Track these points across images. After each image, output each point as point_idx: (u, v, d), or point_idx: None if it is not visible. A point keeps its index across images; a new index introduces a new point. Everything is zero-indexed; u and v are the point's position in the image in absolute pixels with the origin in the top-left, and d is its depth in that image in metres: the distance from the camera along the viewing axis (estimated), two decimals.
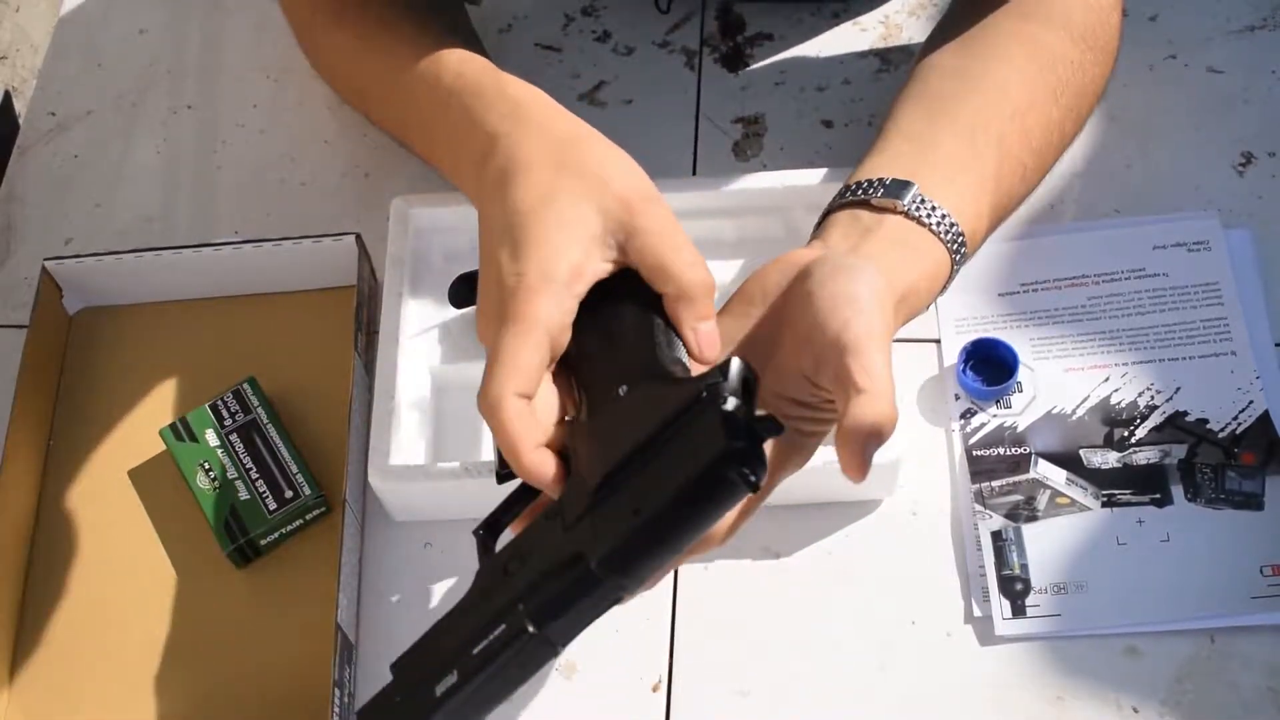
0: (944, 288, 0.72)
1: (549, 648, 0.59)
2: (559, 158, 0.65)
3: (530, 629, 0.58)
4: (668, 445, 0.56)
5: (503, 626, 0.59)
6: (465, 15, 0.88)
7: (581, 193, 0.64)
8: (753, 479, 0.54)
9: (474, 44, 0.81)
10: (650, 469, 0.56)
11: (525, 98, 0.70)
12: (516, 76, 0.72)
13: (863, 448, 0.58)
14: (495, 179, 0.66)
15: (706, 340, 0.63)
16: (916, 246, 0.69)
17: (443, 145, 0.73)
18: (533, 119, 0.68)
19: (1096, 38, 0.78)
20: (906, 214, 0.69)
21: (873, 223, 0.69)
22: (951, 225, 0.69)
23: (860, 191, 0.70)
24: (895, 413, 0.59)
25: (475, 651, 0.59)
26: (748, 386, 0.56)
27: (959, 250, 0.70)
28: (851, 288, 0.62)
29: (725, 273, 0.84)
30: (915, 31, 0.94)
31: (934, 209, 0.69)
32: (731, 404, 0.55)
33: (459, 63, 0.73)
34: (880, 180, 0.70)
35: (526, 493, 0.64)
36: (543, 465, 0.60)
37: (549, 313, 0.61)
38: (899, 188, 0.70)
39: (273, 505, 0.78)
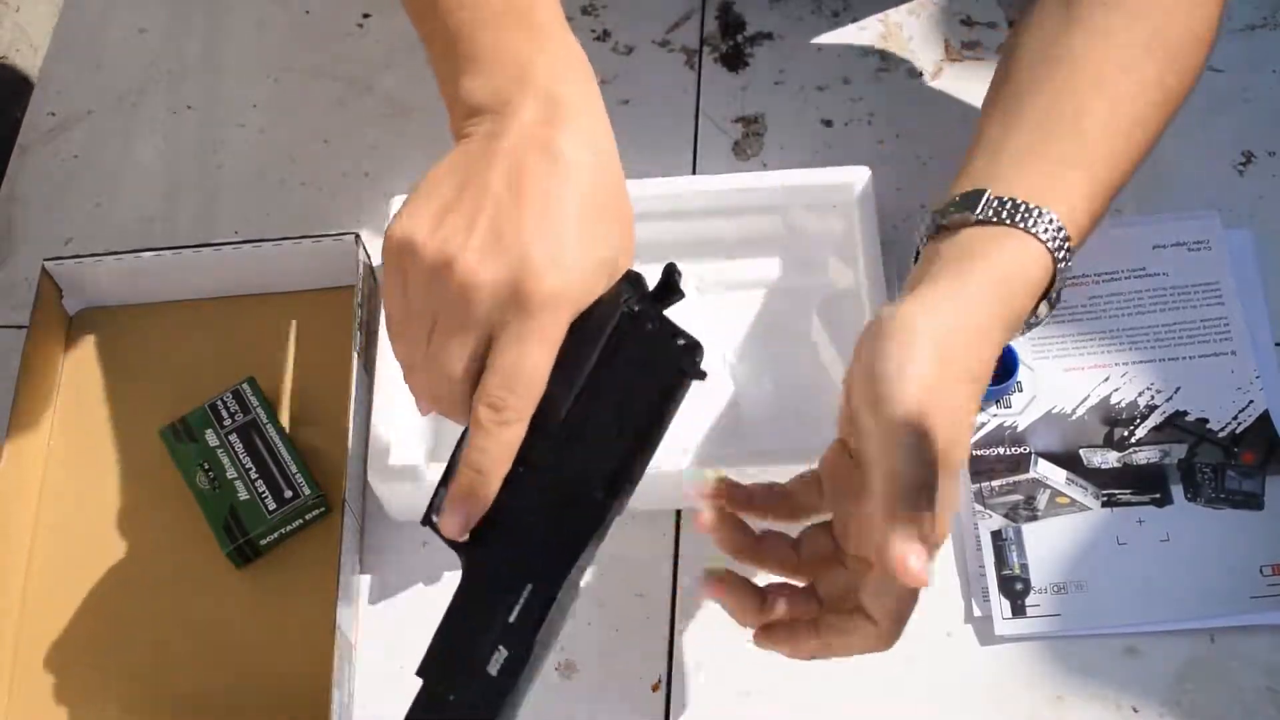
0: (1053, 294, 0.66)
1: (576, 589, 0.61)
2: (619, 175, 0.64)
3: (563, 573, 0.59)
4: (618, 366, 0.60)
5: (529, 587, 0.60)
6: None
7: (627, 219, 0.64)
8: (703, 370, 0.61)
9: None
10: (613, 391, 0.60)
11: (562, 31, 0.66)
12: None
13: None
14: (569, 154, 0.61)
15: None
16: (1001, 252, 0.64)
17: (470, 44, 0.65)
18: (599, 111, 0.65)
19: None
20: (982, 222, 0.64)
21: (947, 249, 0.64)
22: (1048, 218, 0.64)
23: (935, 220, 0.66)
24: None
25: (513, 620, 0.60)
26: (668, 284, 0.61)
27: (1063, 247, 0.64)
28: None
29: (725, 272, 0.84)
30: (915, 31, 0.94)
31: (1019, 206, 0.64)
32: (647, 308, 0.61)
33: None
34: (953, 199, 0.66)
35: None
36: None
37: (564, 333, 0.59)
38: (970, 197, 0.65)
39: (272, 505, 0.78)
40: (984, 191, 0.65)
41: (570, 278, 0.58)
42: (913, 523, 0.56)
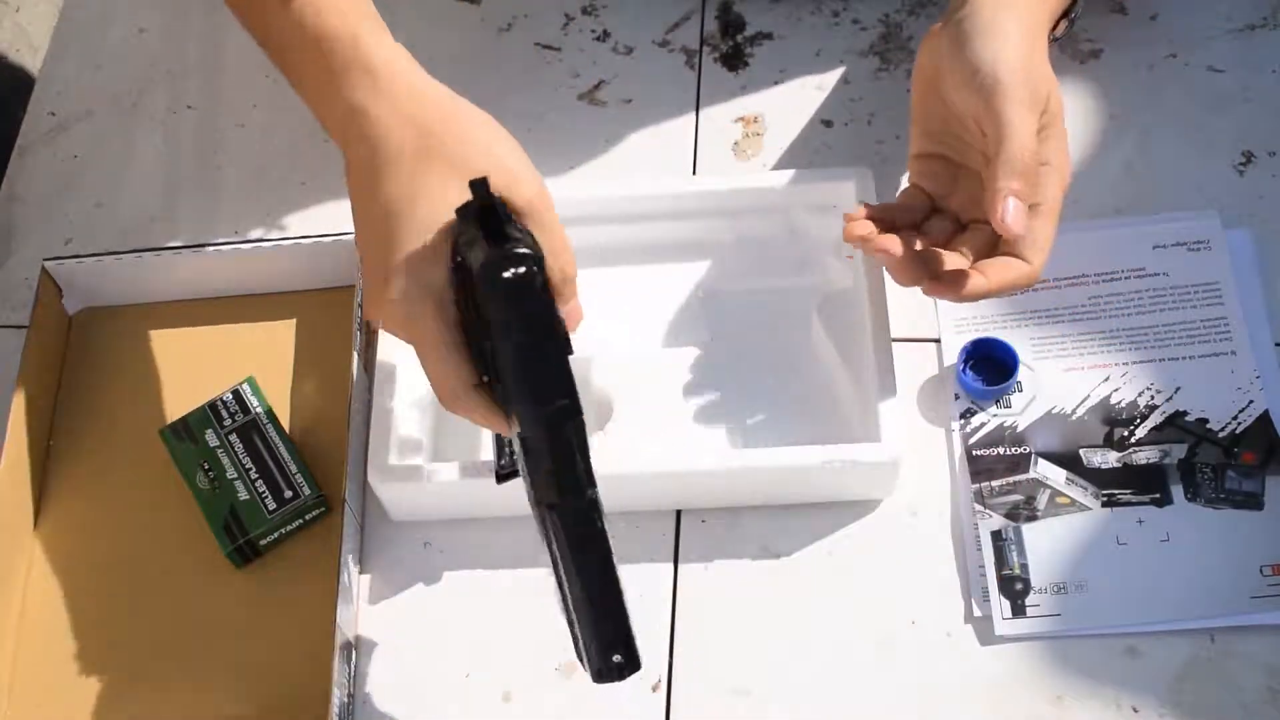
0: (1074, 14, 0.80)
1: (569, 507, 0.62)
2: (423, 144, 0.65)
3: (551, 503, 0.62)
4: (478, 309, 0.62)
5: (544, 525, 0.63)
6: None
7: (443, 186, 0.64)
8: (518, 271, 0.59)
9: None
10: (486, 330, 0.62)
11: (382, 67, 0.67)
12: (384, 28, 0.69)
13: (1007, 204, 0.68)
14: (363, 167, 0.66)
15: (571, 319, 0.67)
16: None
17: (307, 92, 0.71)
18: (393, 94, 0.66)
19: None
20: None
21: None
22: None
23: None
24: (1032, 170, 0.69)
25: (559, 567, 0.63)
26: (486, 214, 0.61)
27: None
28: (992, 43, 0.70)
29: (725, 272, 0.84)
30: (915, 31, 0.94)
31: None
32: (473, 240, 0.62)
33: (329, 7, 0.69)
34: None
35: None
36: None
37: (440, 328, 0.64)
38: None
39: (272, 505, 0.78)
40: None
41: (394, 290, 0.65)
42: (1023, 177, 0.68)
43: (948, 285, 0.70)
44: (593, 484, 0.61)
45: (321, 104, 0.69)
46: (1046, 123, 0.71)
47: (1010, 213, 0.68)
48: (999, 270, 0.70)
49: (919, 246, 0.73)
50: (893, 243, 0.71)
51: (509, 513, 0.78)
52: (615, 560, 0.62)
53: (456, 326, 0.64)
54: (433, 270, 0.63)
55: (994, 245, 0.72)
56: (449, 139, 0.65)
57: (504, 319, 0.60)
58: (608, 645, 0.62)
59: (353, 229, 0.68)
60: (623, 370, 0.80)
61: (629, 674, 0.62)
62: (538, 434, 0.61)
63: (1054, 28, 0.79)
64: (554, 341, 0.61)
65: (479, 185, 0.61)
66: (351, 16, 0.68)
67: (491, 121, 0.67)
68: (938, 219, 0.76)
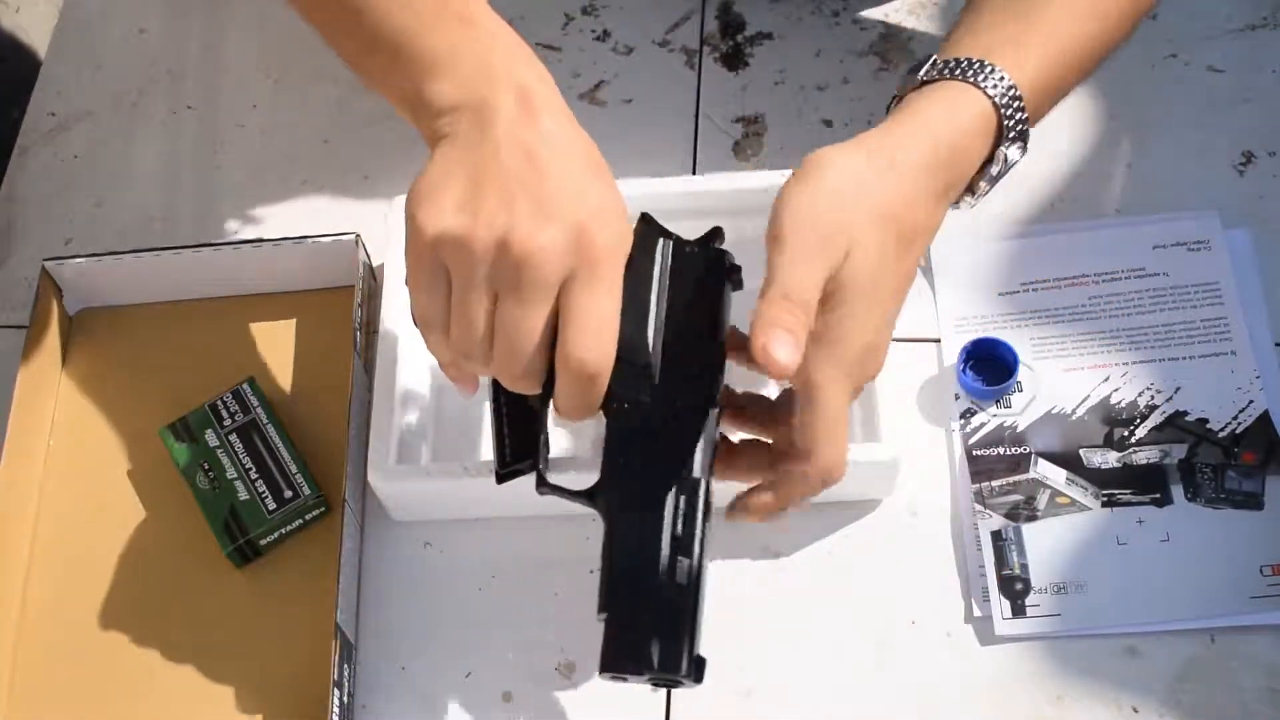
0: (1012, 139, 0.69)
1: (711, 490, 0.64)
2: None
3: (699, 478, 0.63)
4: (677, 293, 0.66)
5: (679, 497, 0.63)
6: None
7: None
8: (739, 278, 0.68)
9: None
10: (680, 314, 0.65)
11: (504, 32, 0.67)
12: None
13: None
14: (531, 102, 0.63)
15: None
16: (933, 107, 0.67)
17: (408, 57, 0.66)
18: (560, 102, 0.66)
19: None
20: (930, 79, 0.69)
21: (892, 114, 0.69)
22: (996, 74, 0.67)
23: (893, 101, 0.72)
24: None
25: (680, 533, 0.63)
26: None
27: (1011, 103, 0.68)
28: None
29: None
30: (915, 31, 0.94)
31: (958, 63, 0.68)
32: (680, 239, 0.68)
33: None
34: (912, 70, 0.70)
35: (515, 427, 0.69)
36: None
37: (621, 278, 0.63)
38: (920, 64, 0.70)
39: (272, 505, 0.78)
40: (932, 55, 0.70)
41: (616, 224, 0.63)
42: (780, 311, 0.62)
43: (740, 512, 0.66)
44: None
45: (435, 69, 0.64)
46: (831, 289, 0.63)
47: (775, 344, 0.60)
48: (784, 486, 0.65)
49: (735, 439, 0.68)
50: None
51: (509, 513, 0.78)
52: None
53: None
54: (622, 221, 0.64)
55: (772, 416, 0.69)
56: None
57: (728, 308, 0.67)
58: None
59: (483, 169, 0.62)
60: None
61: (695, 682, 0.64)
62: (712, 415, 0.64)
63: (989, 162, 0.69)
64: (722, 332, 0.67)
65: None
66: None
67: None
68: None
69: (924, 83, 0.69)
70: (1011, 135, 0.69)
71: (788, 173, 0.83)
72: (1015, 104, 0.68)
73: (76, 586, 0.79)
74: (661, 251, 0.67)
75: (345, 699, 0.73)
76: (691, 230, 0.84)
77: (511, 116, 0.62)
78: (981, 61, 0.68)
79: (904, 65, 0.93)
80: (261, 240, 0.84)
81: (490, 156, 0.62)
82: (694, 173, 0.90)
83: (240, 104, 0.97)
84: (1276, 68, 0.90)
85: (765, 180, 0.83)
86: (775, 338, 0.61)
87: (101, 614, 0.78)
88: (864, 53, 0.94)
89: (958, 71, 0.68)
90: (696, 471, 0.63)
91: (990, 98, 0.67)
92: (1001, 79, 0.68)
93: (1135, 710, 0.71)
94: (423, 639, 0.76)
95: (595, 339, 0.61)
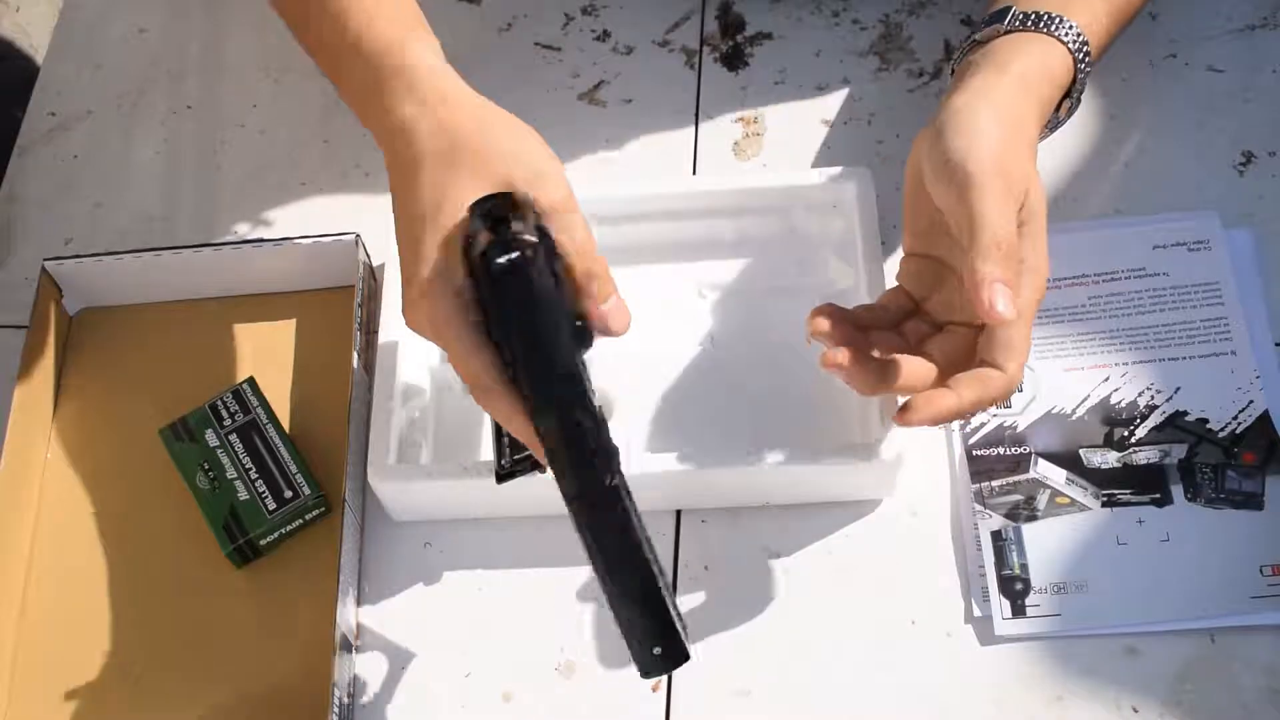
0: (1074, 94, 0.76)
1: (586, 499, 0.62)
2: (452, 151, 0.66)
3: (571, 495, 0.61)
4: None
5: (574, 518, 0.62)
6: None
7: (471, 189, 0.65)
8: (508, 259, 0.60)
9: None
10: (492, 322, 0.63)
11: (424, 76, 0.69)
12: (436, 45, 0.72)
13: (988, 296, 0.64)
14: (400, 173, 0.67)
15: (613, 318, 0.66)
16: (1025, 51, 0.73)
17: (354, 99, 0.73)
18: (429, 102, 0.68)
19: None
20: (1013, 30, 0.74)
21: (979, 57, 0.74)
22: (1067, 23, 0.73)
23: (970, 40, 0.75)
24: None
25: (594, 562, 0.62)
26: (494, 213, 0.63)
27: (1081, 50, 0.74)
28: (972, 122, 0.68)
29: (725, 272, 0.84)
30: (915, 31, 0.94)
31: (1042, 15, 0.74)
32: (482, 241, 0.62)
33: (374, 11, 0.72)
34: (984, 18, 0.76)
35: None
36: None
37: (462, 323, 0.64)
38: (1001, 11, 0.75)
39: (272, 505, 0.78)
40: (1010, 8, 0.75)
41: (416, 292, 0.65)
42: (1003, 265, 0.65)
43: (915, 411, 0.66)
44: (613, 470, 0.61)
45: (367, 111, 0.71)
46: (1024, 219, 0.68)
47: (998, 298, 0.64)
48: (972, 385, 0.66)
49: (877, 354, 0.69)
50: (840, 354, 0.67)
51: (509, 513, 0.78)
52: (651, 549, 0.61)
53: (479, 323, 0.64)
54: (455, 269, 0.64)
55: (969, 350, 0.69)
56: (477, 145, 0.66)
57: (500, 306, 0.61)
58: (646, 638, 0.61)
59: (392, 231, 0.68)
60: (623, 370, 0.80)
61: (674, 666, 0.61)
62: (548, 424, 0.61)
63: (1058, 109, 0.76)
64: (559, 330, 0.61)
65: (484, 206, 0.62)
66: (399, 27, 0.71)
67: (523, 128, 0.68)
68: (915, 321, 0.72)
69: (1004, 32, 0.74)
70: (1077, 88, 0.76)
71: (788, 173, 0.84)
72: (1086, 57, 0.75)
73: (76, 587, 0.79)
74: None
75: (345, 699, 0.73)
76: (691, 229, 0.84)
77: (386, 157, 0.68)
78: (1060, 16, 0.74)
79: (904, 65, 0.93)
80: (261, 240, 0.84)
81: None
82: (694, 173, 0.90)
83: (240, 104, 0.97)
84: (1276, 68, 0.90)
85: (765, 180, 0.84)
86: (999, 294, 0.64)
87: (101, 614, 0.78)
88: (864, 53, 0.94)
89: (1040, 24, 0.74)
90: (565, 484, 0.61)
91: (1071, 52, 0.74)
92: (1078, 35, 0.74)
93: (1135, 710, 0.71)
94: (423, 639, 0.76)
95: (464, 370, 0.64)
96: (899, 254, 0.81)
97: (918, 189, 0.71)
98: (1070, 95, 0.76)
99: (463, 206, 0.64)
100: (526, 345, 0.61)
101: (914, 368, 0.68)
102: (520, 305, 0.61)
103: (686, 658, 0.61)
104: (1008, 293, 0.65)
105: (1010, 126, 0.69)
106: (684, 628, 0.61)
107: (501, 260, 0.60)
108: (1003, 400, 0.68)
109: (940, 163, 0.68)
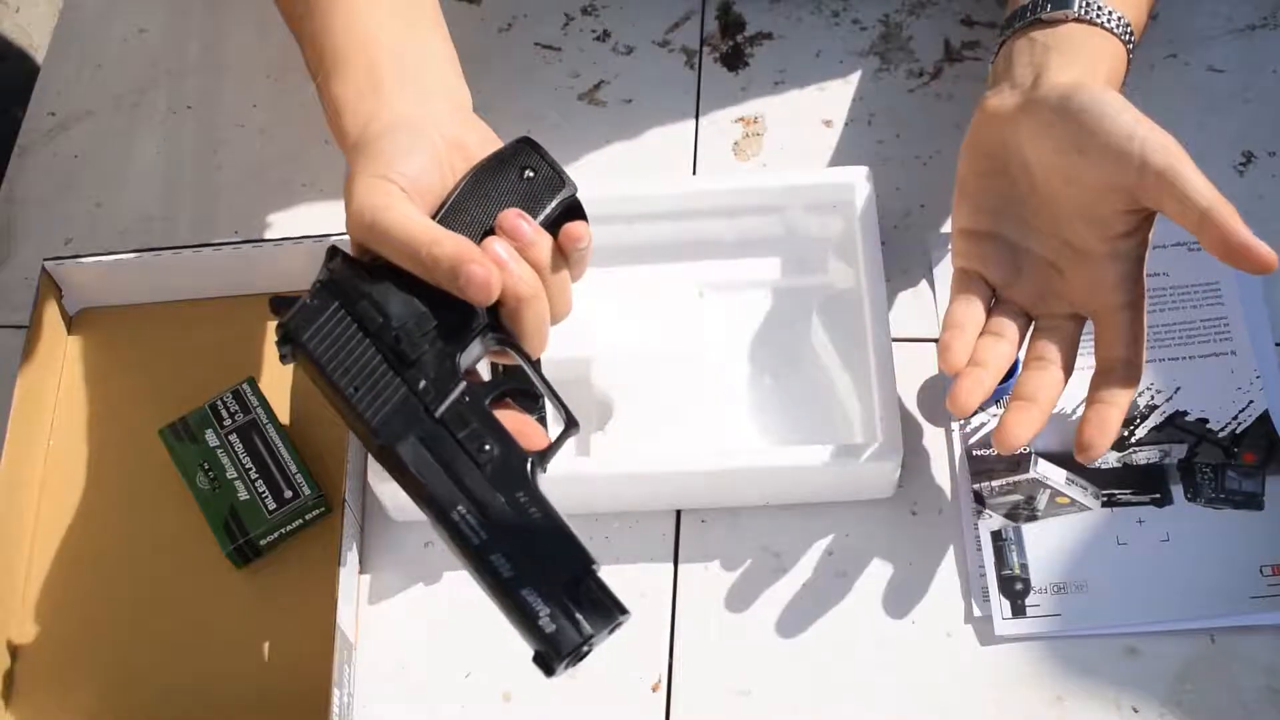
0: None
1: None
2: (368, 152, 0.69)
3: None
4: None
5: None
6: None
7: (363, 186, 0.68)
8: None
9: None
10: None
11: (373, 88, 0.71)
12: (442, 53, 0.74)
13: (1238, 233, 0.67)
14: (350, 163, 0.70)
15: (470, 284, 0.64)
16: (1099, 47, 0.73)
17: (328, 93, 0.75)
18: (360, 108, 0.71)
19: None
20: (1079, 19, 0.73)
21: (1050, 39, 0.73)
22: (1120, 19, 0.73)
23: (1028, 14, 0.74)
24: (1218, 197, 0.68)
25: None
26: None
27: (1130, 41, 0.74)
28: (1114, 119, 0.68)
29: (725, 273, 0.84)
30: (915, 31, 0.94)
31: (1101, 8, 0.73)
32: None
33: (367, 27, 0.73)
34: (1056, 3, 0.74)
35: None
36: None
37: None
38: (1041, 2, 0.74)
39: (272, 505, 0.78)
40: None
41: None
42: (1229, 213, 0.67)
43: (1090, 445, 0.67)
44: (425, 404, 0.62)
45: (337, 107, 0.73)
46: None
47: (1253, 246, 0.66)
48: (1116, 395, 0.68)
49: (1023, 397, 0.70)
50: (978, 394, 0.69)
51: None
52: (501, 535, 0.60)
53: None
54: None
55: (1073, 341, 0.71)
56: (387, 133, 0.68)
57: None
58: (530, 635, 0.59)
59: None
60: (623, 370, 0.80)
61: (574, 655, 0.58)
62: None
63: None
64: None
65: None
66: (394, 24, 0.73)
67: (422, 126, 0.68)
68: (999, 314, 0.72)
69: (1073, 19, 0.73)
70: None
71: (788, 173, 0.84)
72: (1130, 45, 0.74)
73: (76, 586, 0.79)
74: None
75: (345, 699, 0.73)
76: (691, 229, 0.84)
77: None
78: (1111, 10, 0.73)
79: (904, 65, 0.93)
80: (261, 240, 0.84)
81: None
82: (694, 173, 0.90)
83: (240, 104, 0.97)
84: (1276, 68, 0.90)
85: (765, 180, 0.84)
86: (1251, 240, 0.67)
87: (101, 614, 0.78)
88: (864, 53, 0.94)
89: (1100, 18, 0.73)
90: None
91: (1125, 44, 0.74)
92: (1126, 26, 0.74)
93: (1135, 710, 0.71)
94: (423, 639, 0.76)
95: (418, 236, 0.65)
96: (899, 254, 0.81)
97: (993, 168, 0.72)
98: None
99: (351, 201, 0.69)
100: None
101: (1050, 381, 0.70)
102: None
103: (584, 640, 0.58)
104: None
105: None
106: (572, 616, 0.58)
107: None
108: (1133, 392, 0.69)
109: (1114, 145, 0.67)
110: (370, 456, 0.75)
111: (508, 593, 0.59)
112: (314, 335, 0.64)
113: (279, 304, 0.66)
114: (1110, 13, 0.73)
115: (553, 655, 0.58)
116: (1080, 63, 0.72)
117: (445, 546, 0.62)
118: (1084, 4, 0.73)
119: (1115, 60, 0.73)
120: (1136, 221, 0.69)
